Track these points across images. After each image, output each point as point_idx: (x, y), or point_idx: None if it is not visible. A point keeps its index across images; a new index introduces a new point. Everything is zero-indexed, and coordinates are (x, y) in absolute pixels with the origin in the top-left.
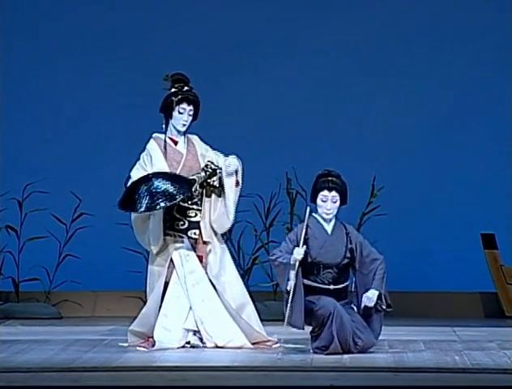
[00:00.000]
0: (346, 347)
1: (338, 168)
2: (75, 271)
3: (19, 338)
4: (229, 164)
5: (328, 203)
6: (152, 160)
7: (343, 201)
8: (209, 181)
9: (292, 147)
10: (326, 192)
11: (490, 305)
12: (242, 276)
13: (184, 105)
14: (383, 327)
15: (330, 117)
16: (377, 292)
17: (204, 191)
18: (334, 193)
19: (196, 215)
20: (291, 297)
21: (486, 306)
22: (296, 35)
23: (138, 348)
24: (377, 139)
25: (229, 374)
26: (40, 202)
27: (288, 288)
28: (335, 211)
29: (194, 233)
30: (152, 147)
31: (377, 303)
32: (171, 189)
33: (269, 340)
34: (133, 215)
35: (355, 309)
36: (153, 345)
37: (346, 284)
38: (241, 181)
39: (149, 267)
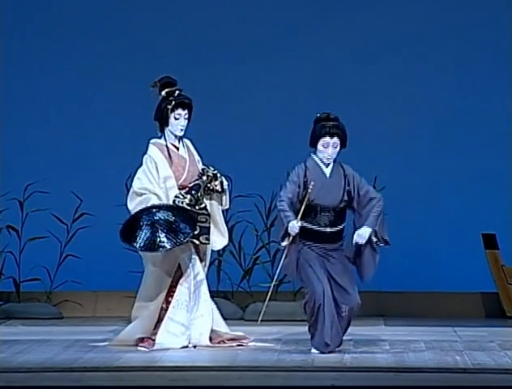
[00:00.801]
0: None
1: None
2: (76, 272)
3: (19, 338)
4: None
5: (329, 148)
6: (158, 166)
7: (342, 145)
8: (209, 185)
9: (293, 147)
10: (327, 138)
11: (491, 306)
12: (243, 276)
13: (179, 111)
14: (385, 327)
15: None
16: (369, 230)
17: (206, 196)
18: (335, 139)
19: (206, 220)
20: (286, 251)
21: (487, 306)
22: (297, 34)
23: (139, 348)
24: (378, 139)
25: (230, 374)
26: (41, 202)
27: (284, 244)
28: (335, 155)
29: (206, 239)
30: (155, 153)
31: (371, 241)
32: (174, 227)
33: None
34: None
35: (346, 254)
36: (154, 345)
37: (341, 227)
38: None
39: (151, 269)
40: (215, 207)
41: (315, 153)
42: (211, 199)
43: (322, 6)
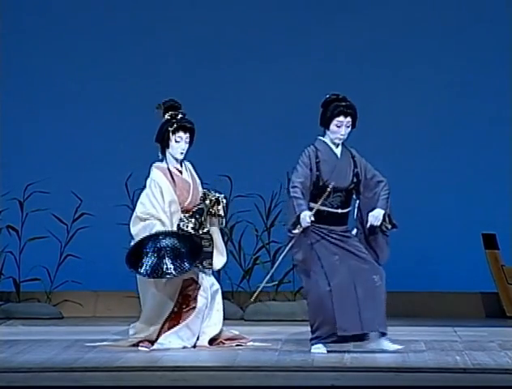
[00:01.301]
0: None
1: None
2: (76, 271)
3: (19, 338)
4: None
5: (342, 128)
6: (163, 191)
7: (354, 125)
8: (212, 210)
9: (293, 147)
10: (341, 117)
11: (491, 306)
12: (243, 276)
13: (180, 134)
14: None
15: None
16: (382, 211)
17: (209, 220)
18: (348, 118)
19: (210, 245)
20: (294, 241)
21: (487, 306)
22: (298, 35)
23: (139, 348)
24: (378, 139)
25: (230, 374)
26: (41, 202)
27: (295, 232)
28: (347, 136)
29: (209, 263)
30: (159, 177)
31: (382, 224)
32: (180, 254)
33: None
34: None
35: (354, 232)
36: (154, 345)
37: (350, 209)
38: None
39: (153, 291)
40: (215, 231)
41: (324, 135)
42: (211, 222)
43: (320, 9)
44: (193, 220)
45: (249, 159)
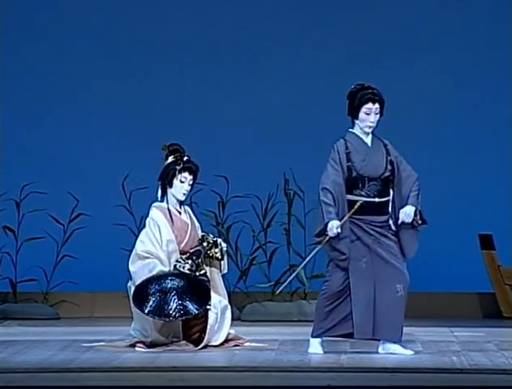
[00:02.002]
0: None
1: None
2: (73, 272)
3: (16, 338)
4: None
5: (372, 115)
6: (161, 230)
7: (381, 113)
8: (209, 252)
9: (290, 148)
10: (370, 104)
11: (488, 306)
12: (240, 277)
13: (186, 174)
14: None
15: (328, 119)
16: (413, 208)
17: (205, 262)
18: (377, 105)
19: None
20: (325, 241)
21: (484, 307)
22: (295, 35)
23: (136, 348)
24: None
25: (228, 374)
26: (37, 202)
27: (318, 240)
28: (376, 123)
29: (208, 304)
30: (158, 216)
31: (413, 219)
32: (185, 298)
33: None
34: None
35: (392, 227)
36: (150, 345)
37: (388, 198)
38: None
39: None
40: (215, 273)
41: (352, 127)
42: (210, 265)
43: (318, 10)
44: (190, 261)
45: (246, 159)
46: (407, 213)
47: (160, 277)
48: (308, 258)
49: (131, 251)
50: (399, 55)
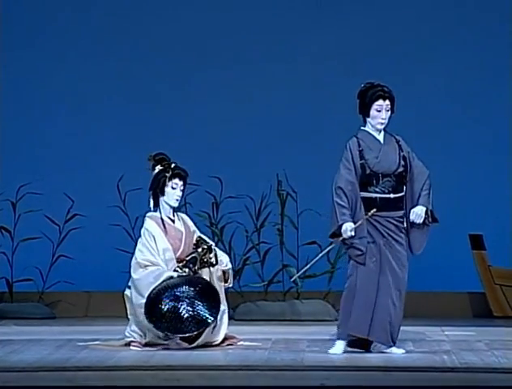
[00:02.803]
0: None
1: (326, 170)
2: (68, 272)
3: (13, 338)
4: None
5: (383, 112)
6: (156, 239)
7: (392, 110)
8: (204, 258)
9: (283, 150)
10: (381, 101)
11: (478, 305)
12: (233, 276)
13: (176, 181)
14: None
15: (320, 121)
16: (424, 208)
17: (201, 267)
18: (387, 101)
19: None
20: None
21: (474, 306)
22: (289, 39)
23: (131, 347)
24: None
25: (221, 373)
26: (33, 203)
27: (332, 240)
28: (387, 120)
29: (219, 309)
30: (152, 226)
31: (424, 218)
32: (201, 311)
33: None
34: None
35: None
36: (145, 345)
37: (403, 193)
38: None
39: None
40: (214, 279)
41: (364, 125)
42: (210, 273)
43: (311, 13)
44: (186, 269)
45: (240, 161)
46: (418, 214)
47: (170, 287)
48: (320, 255)
49: (126, 251)
50: (394, 58)
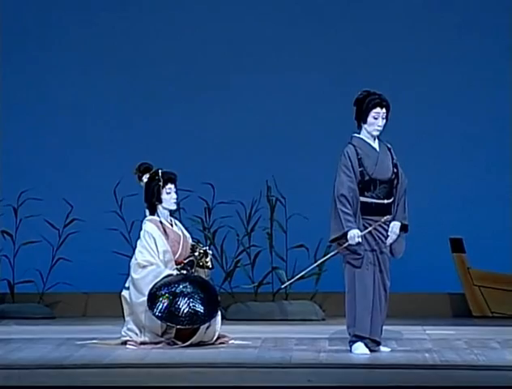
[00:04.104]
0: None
1: (314, 177)
2: (67, 274)
3: (14, 337)
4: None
5: (379, 119)
6: (156, 241)
7: (386, 118)
8: (200, 262)
9: (272, 158)
10: (378, 109)
11: (458, 306)
12: (225, 278)
13: (169, 186)
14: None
15: (308, 130)
16: (399, 224)
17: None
18: (384, 109)
19: None
20: (342, 247)
21: (454, 306)
22: (278, 49)
23: (127, 346)
24: None
25: (214, 370)
26: (34, 208)
27: (335, 245)
28: (383, 128)
29: (216, 311)
30: (152, 229)
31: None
32: (199, 308)
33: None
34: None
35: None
36: (141, 344)
37: (393, 199)
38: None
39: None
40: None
41: (358, 132)
42: (206, 276)
43: (299, 22)
44: (184, 271)
45: (231, 168)
46: (394, 232)
47: (170, 283)
48: (320, 261)
49: (122, 254)
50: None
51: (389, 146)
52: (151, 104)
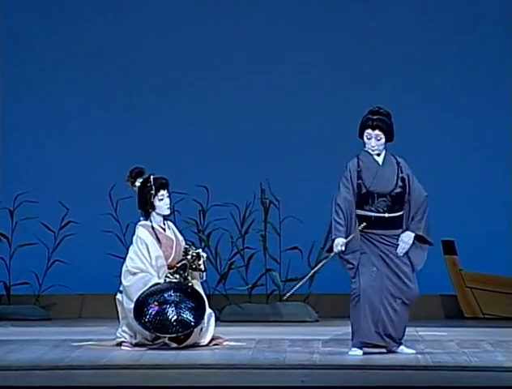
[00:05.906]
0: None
1: (307, 179)
2: (63, 276)
3: (10, 338)
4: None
5: (372, 140)
6: (149, 247)
7: (388, 138)
8: (193, 265)
9: (266, 161)
10: (369, 130)
11: (450, 307)
12: (219, 280)
13: (161, 192)
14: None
15: (301, 133)
16: (412, 234)
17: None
18: (377, 131)
19: None
20: (331, 256)
21: (446, 308)
22: (273, 52)
23: (122, 347)
24: (347, 154)
25: (208, 371)
26: (30, 211)
27: (328, 254)
28: (381, 147)
29: (204, 315)
30: (144, 234)
31: (415, 243)
32: (186, 315)
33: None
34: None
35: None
36: (136, 345)
37: (401, 213)
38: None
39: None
40: (195, 283)
41: (364, 146)
42: (192, 276)
43: (297, 26)
44: (177, 275)
45: (225, 170)
46: (404, 241)
47: (157, 292)
48: (315, 269)
49: (117, 256)
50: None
51: (399, 160)
52: (146, 110)
